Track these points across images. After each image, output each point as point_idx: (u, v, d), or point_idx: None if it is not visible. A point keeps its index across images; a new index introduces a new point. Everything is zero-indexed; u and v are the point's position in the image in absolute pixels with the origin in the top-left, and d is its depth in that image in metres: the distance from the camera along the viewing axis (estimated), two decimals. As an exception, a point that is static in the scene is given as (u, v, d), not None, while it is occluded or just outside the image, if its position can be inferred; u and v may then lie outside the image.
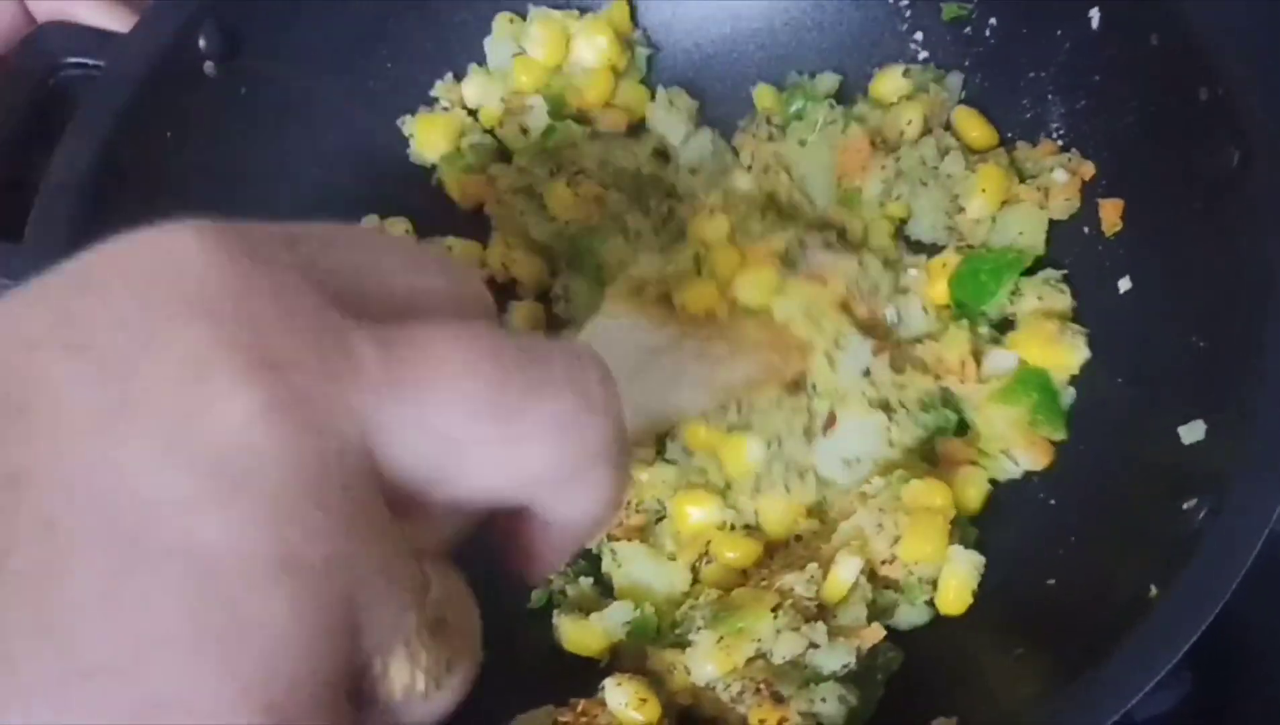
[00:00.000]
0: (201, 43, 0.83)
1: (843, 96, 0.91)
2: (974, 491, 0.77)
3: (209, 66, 0.84)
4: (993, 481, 0.78)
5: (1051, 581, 0.71)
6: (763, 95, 0.93)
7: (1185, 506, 0.63)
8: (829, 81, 0.92)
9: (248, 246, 0.35)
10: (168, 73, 0.82)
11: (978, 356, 0.79)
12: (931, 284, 0.83)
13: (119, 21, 0.87)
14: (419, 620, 0.34)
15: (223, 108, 0.85)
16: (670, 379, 0.71)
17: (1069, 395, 0.78)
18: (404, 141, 0.94)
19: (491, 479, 0.36)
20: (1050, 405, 0.77)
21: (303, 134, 0.90)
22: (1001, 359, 0.79)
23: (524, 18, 0.94)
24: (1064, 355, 0.77)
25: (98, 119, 0.79)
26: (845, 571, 0.71)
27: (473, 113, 0.94)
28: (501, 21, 0.94)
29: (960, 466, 0.77)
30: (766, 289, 0.77)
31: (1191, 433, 0.67)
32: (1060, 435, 0.77)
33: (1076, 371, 0.78)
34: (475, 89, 0.94)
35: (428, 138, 0.93)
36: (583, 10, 0.94)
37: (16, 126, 0.83)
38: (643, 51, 0.95)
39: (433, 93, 0.94)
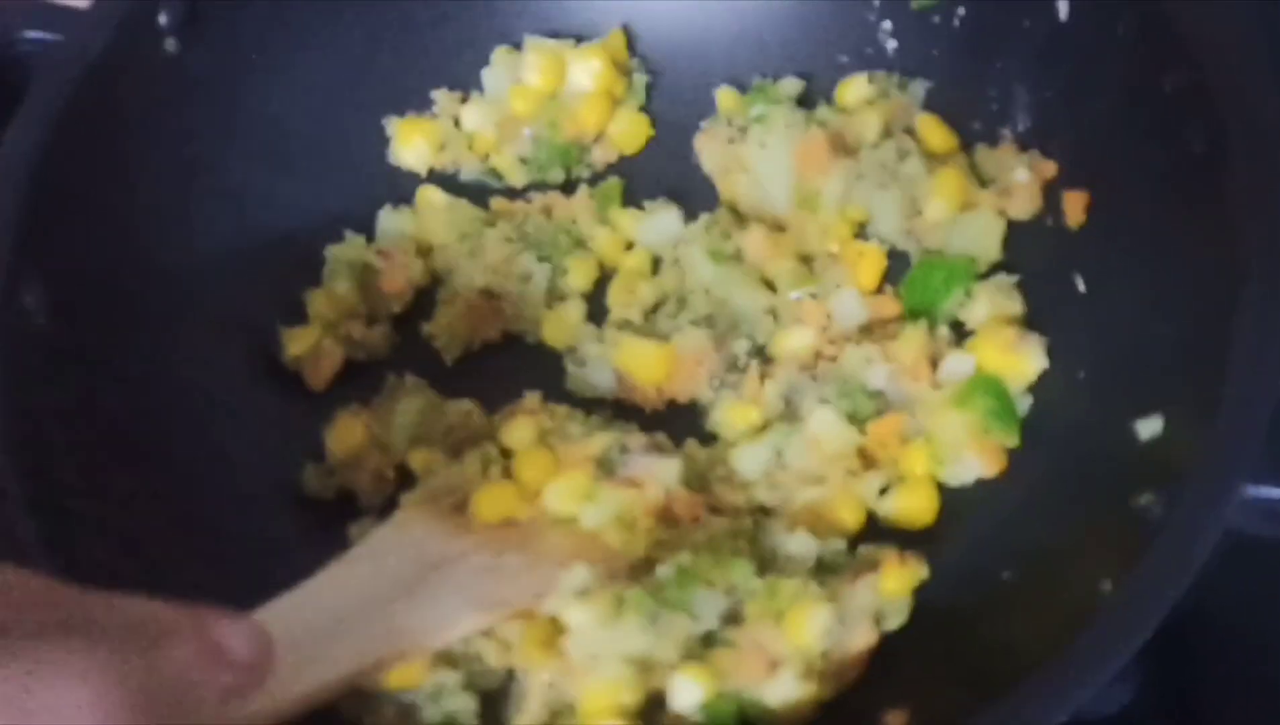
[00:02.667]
0: (162, 18, 0.81)
1: (806, 101, 0.89)
2: (924, 504, 0.75)
3: (170, 44, 0.82)
4: (943, 485, 0.75)
5: (1006, 574, 0.68)
6: (725, 97, 0.91)
7: (1141, 502, 0.60)
8: (792, 86, 0.89)
9: None
10: (125, 48, 0.80)
11: (934, 360, 0.77)
12: (860, 273, 0.82)
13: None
14: None
15: (183, 88, 0.83)
16: (441, 596, 0.67)
17: (1025, 403, 0.75)
18: (380, 145, 0.92)
19: None
20: (1005, 412, 0.74)
21: (265, 125, 0.88)
22: (958, 364, 0.76)
23: (520, 49, 0.93)
24: (1021, 362, 0.75)
25: (51, 94, 0.77)
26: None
27: (470, 140, 0.93)
28: (500, 54, 0.92)
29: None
30: (576, 496, 0.72)
31: (1148, 427, 0.64)
32: (1014, 442, 0.74)
33: (1033, 379, 0.75)
34: (473, 115, 0.92)
35: (410, 143, 0.91)
36: (579, 39, 0.93)
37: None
38: (641, 79, 0.93)
39: (433, 95, 0.93)
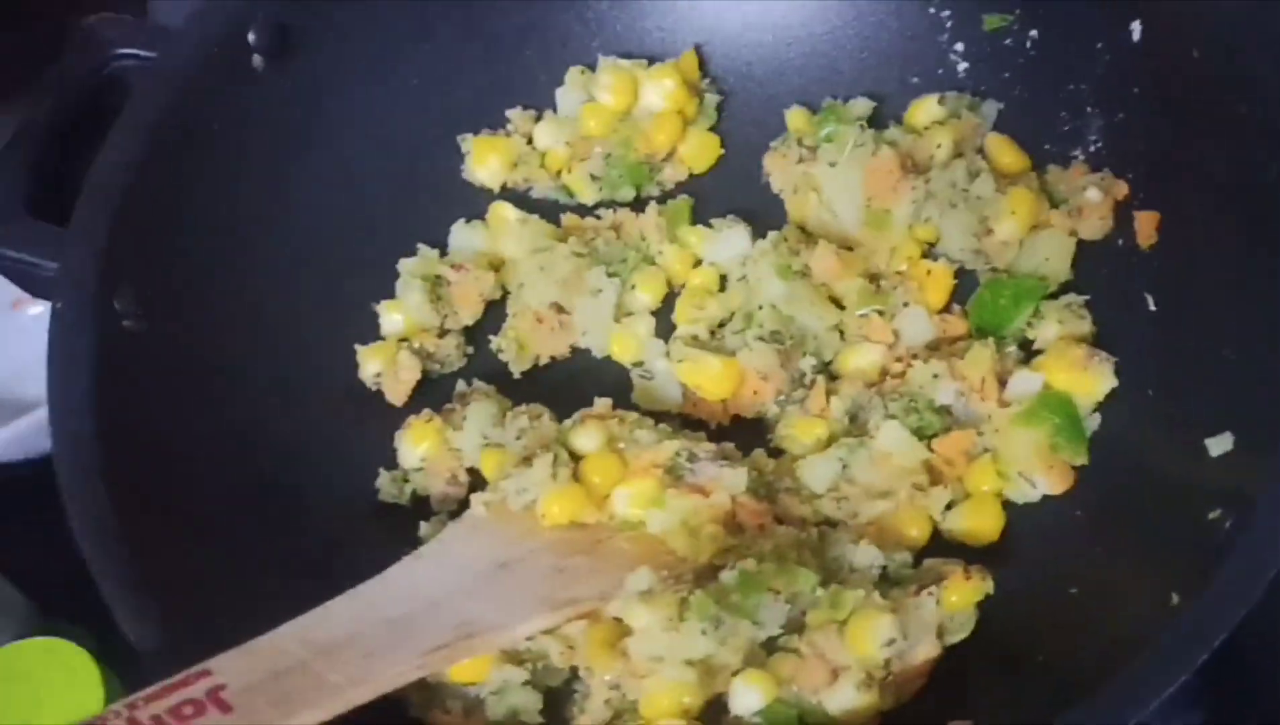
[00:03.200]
0: (251, 37, 0.84)
1: (876, 122, 0.90)
2: (990, 520, 0.75)
3: (258, 60, 0.85)
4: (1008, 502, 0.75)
5: (1074, 590, 0.68)
6: (795, 117, 0.92)
7: (1210, 517, 0.60)
8: (862, 106, 0.91)
9: None
10: (216, 66, 0.83)
11: (1001, 378, 0.77)
12: (928, 291, 0.83)
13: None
14: None
15: (270, 105, 0.86)
16: (510, 594, 0.69)
17: (1094, 422, 0.75)
18: (454, 162, 0.94)
19: None
20: (1073, 430, 0.74)
21: (346, 141, 0.90)
22: (1026, 382, 0.76)
23: (594, 69, 0.94)
24: (1090, 381, 0.75)
25: (146, 110, 0.81)
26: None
27: (542, 157, 0.94)
28: (573, 74, 0.94)
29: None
30: (644, 500, 0.73)
31: (1219, 445, 0.64)
32: (1082, 460, 0.74)
33: (1102, 398, 0.75)
34: (546, 134, 0.94)
35: (484, 159, 0.93)
36: (652, 60, 0.95)
37: (68, 115, 0.86)
38: (712, 99, 0.95)
39: (508, 114, 0.95)
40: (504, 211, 0.92)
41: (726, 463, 0.76)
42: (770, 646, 0.69)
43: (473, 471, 0.82)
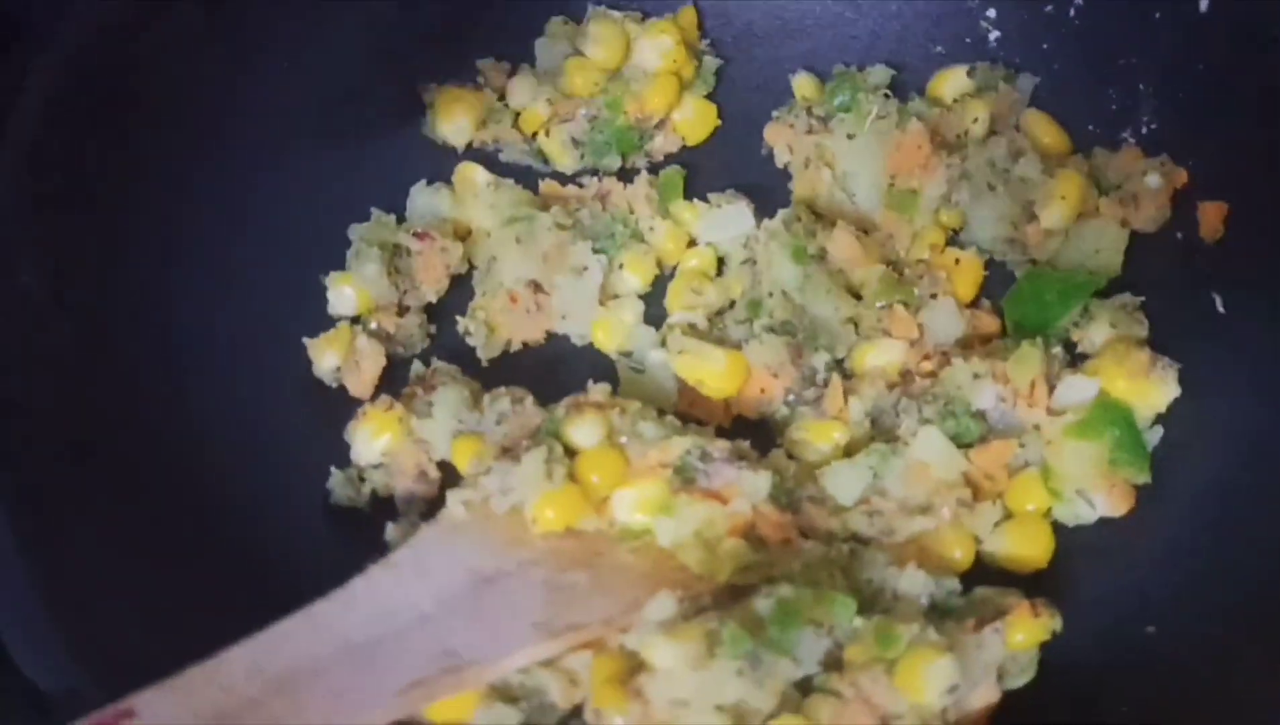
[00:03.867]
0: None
1: (896, 93, 0.82)
2: (1039, 544, 0.67)
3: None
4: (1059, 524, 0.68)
5: (1151, 629, 0.61)
6: (803, 85, 0.84)
7: None
8: (880, 74, 0.83)
9: None
10: (147, 12, 0.73)
11: (1049, 382, 0.69)
12: (957, 283, 0.75)
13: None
14: None
15: (199, 42, 0.76)
16: (501, 615, 0.60)
17: (1154, 435, 0.68)
18: (415, 115, 0.84)
19: None
20: (1134, 444, 0.67)
21: (296, 88, 0.80)
22: (1079, 389, 0.69)
23: (579, 20, 0.85)
24: (1153, 390, 0.68)
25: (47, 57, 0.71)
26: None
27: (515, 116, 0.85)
28: (555, 24, 0.85)
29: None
30: (652, 506, 0.64)
31: None
32: (1145, 478, 0.67)
33: (1164, 409, 0.68)
34: (522, 90, 0.84)
35: (450, 115, 0.83)
36: (645, 15, 0.85)
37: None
38: (711, 63, 0.86)
39: (479, 64, 0.85)
40: (472, 174, 0.82)
41: (745, 464, 0.66)
42: (804, 686, 0.59)
43: (444, 466, 0.71)
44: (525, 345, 0.79)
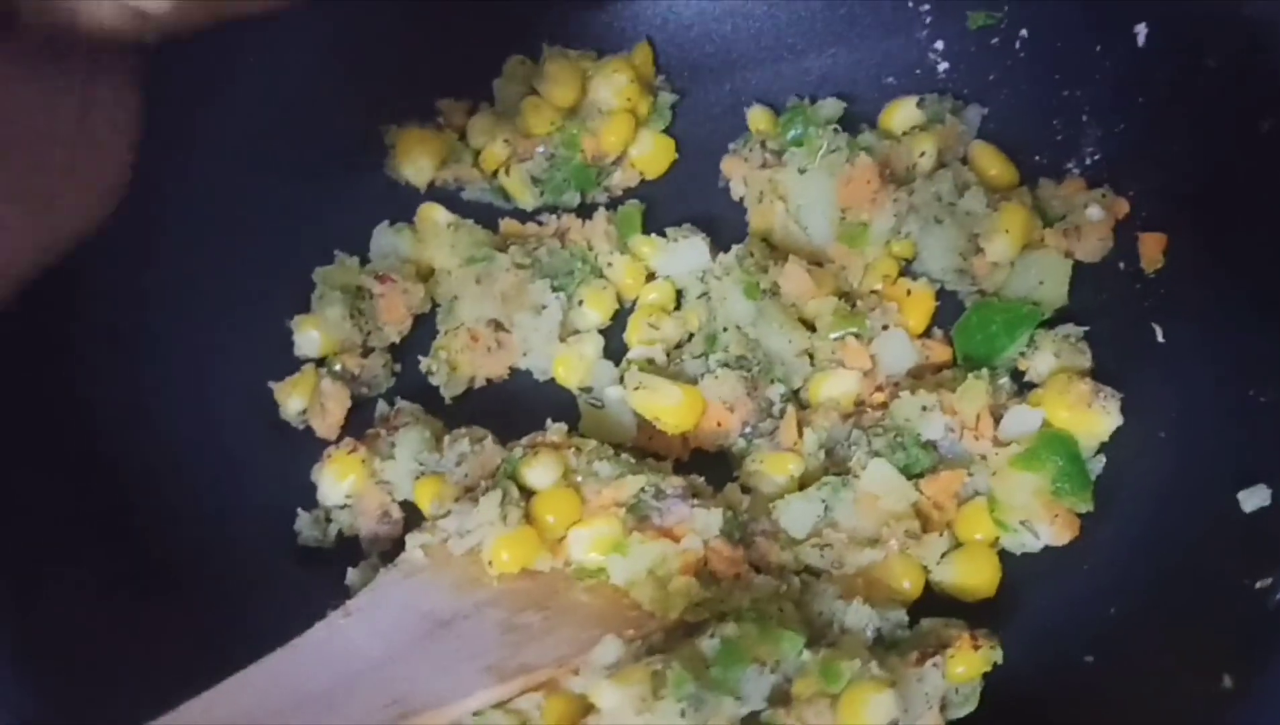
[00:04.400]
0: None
1: (847, 125, 0.83)
2: (985, 573, 0.68)
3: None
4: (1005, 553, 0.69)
5: (1089, 658, 0.62)
6: (758, 117, 0.85)
7: (1258, 585, 0.55)
8: (832, 107, 0.84)
9: None
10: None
11: (995, 413, 0.71)
12: (908, 314, 0.76)
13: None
14: None
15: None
16: (454, 659, 0.61)
17: (1097, 464, 0.69)
18: (377, 156, 0.86)
19: None
20: (1077, 473, 0.68)
21: (251, 132, 0.81)
22: (1024, 419, 0.70)
23: (537, 60, 0.86)
24: (1095, 420, 0.69)
25: None
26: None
27: (475, 155, 0.86)
28: (513, 64, 0.86)
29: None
30: (605, 545, 0.66)
31: (1253, 498, 0.59)
32: (1087, 507, 0.68)
33: (1107, 438, 0.69)
34: (481, 129, 0.86)
35: (411, 154, 0.84)
36: (600, 52, 0.87)
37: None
38: (667, 98, 0.87)
39: (439, 104, 0.86)
40: (434, 214, 0.84)
41: (698, 501, 0.68)
42: (751, 722, 0.61)
43: (407, 505, 0.73)
44: (489, 382, 0.80)
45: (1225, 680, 0.53)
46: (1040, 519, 0.68)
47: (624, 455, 0.71)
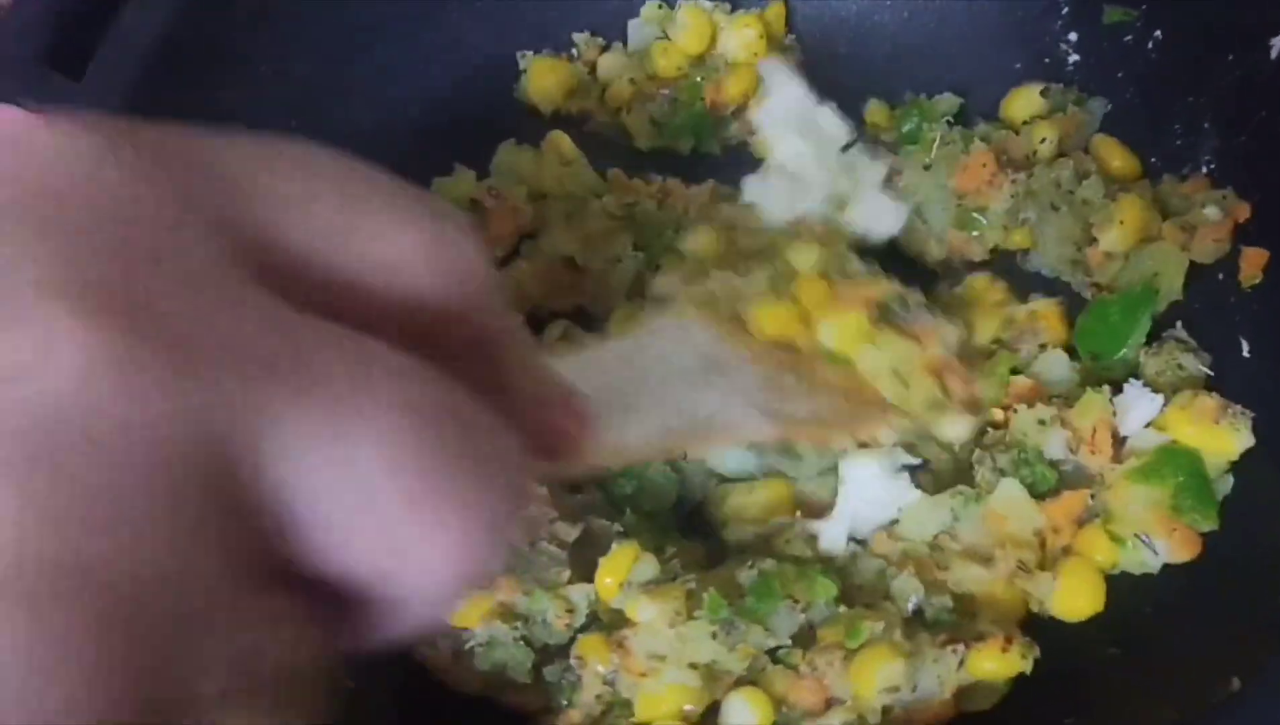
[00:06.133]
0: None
1: (963, 120, 0.84)
2: (1089, 600, 0.67)
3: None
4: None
5: (1114, 651, 0.65)
6: (874, 112, 0.87)
7: None
8: (948, 102, 0.85)
9: (128, 154, 0.27)
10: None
11: (1115, 431, 0.70)
12: (1050, 326, 0.75)
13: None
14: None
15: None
16: (726, 395, 0.63)
17: (1225, 483, 0.68)
18: (509, 78, 0.89)
19: (359, 559, 0.28)
20: (1199, 489, 0.66)
21: (396, 39, 0.85)
22: (1146, 437, 0.69)
23: (673, 6, 0.89)
24: (1224, 438, 0.67)
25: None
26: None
27: (602, 90, 0.89)
28: (650, 7, 0.89)
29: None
30: (855, 335, 0.68)
31: None
32: (1211, 524, 0.66)
33: (1236, 458, 0.68)
34: (610, 64, 0.89)
35: (542, 82, 0.88)
36: (735, 5, 0.90)
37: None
38: (795, 58, 0.89)
39: (575, 37, 0.90)
40: (561, 143, 0.87)
41: (941, 314, 0.71)
42: (773, 655, 0.65)
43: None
44: (553, 312, 0.82)
45: (1234, 682, 0.54)
46: (1158, 534, 0.67)
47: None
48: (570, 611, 0.66)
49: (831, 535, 0.70)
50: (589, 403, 0.39)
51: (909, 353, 0.68)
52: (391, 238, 0.30)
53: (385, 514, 0.27)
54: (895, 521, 0.70)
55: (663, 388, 0.61)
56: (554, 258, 0.82)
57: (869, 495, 0.71)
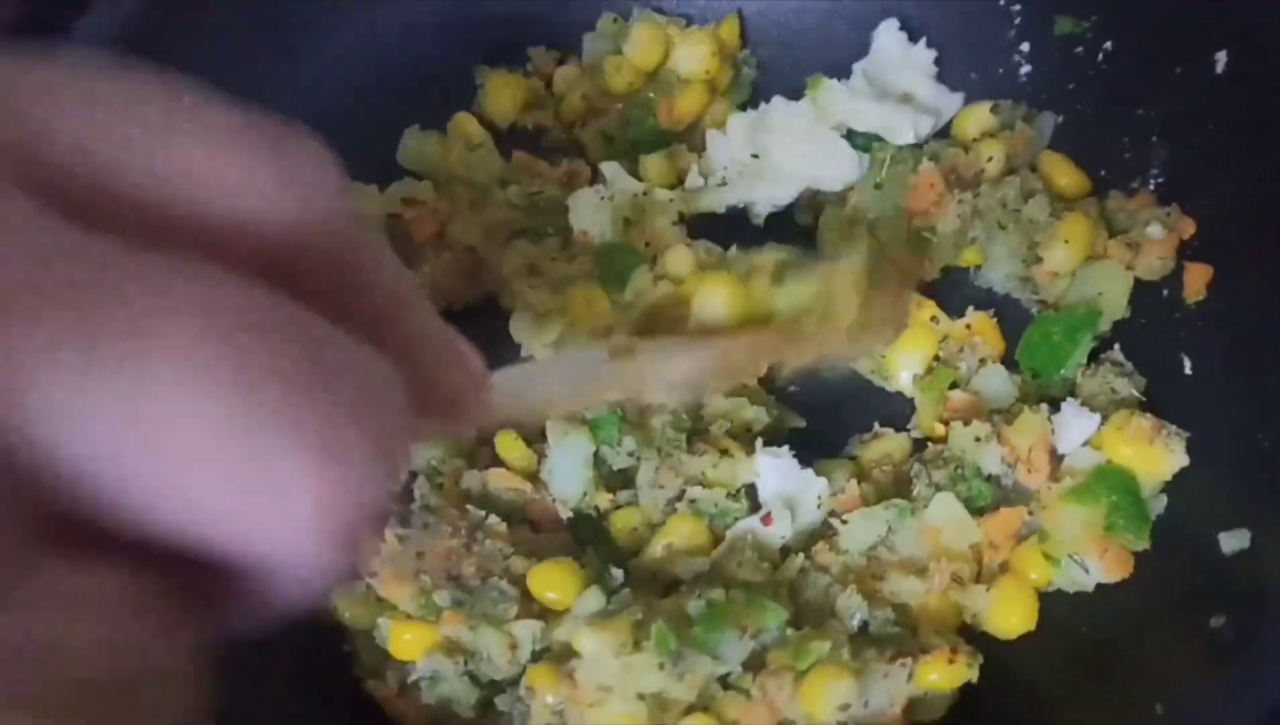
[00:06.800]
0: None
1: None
2: (1023, 617, 0.68)
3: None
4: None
5: (1058, 667, 0.65)
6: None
7: (1213, 623, 0.58)
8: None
9: None
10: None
11: (1052, 449, 0.71)
12: (987, 339, 0.77)
13: None
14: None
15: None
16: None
17: (1159, 503, 0.69)
18: (469, 96, 0.90)
19: (185, 524, 0.24)
20: (1132, 509, 0.67)
21: (363, 55, 0.86)
22: (1082, 456, 0.70)
23: (628, 19, 0.90)
24: (1158, 459, 0.68)
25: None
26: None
27: (558, 104, 0.90)
28: (606, 21, 0.90)
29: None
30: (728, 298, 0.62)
31: (1233, 541, 0.61)
32: (1143, 544, 0.67)
33: (1169, 478, 0.69)
34: (565, 79, 0.90)
35: (498, 98, 0.89)
36: (690, 20, 0.90)
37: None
38: (749, 74, 0.90)
39: (530, 51, 0.91)
40: (468, 127, 0.87)
41: None
42: (723, 682, 0.66)
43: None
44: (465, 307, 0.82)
45: (1157, 708, 0.55)
46: (1091, 553, 0.68)
47: None
48: (514, 648, 0.67)
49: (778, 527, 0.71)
50: (482, 360, 0.36)
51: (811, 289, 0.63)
52: (228, 160, 0.27)
53: (202, 453, 0.23)
54: (834, 533, 0.71)
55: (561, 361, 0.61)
56: (459, 248, 0.82)
57: (783, 485, 0.72)
